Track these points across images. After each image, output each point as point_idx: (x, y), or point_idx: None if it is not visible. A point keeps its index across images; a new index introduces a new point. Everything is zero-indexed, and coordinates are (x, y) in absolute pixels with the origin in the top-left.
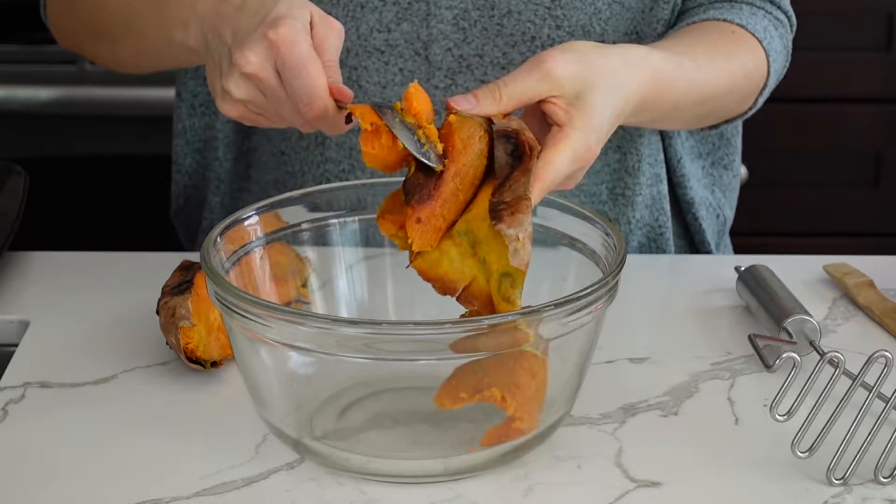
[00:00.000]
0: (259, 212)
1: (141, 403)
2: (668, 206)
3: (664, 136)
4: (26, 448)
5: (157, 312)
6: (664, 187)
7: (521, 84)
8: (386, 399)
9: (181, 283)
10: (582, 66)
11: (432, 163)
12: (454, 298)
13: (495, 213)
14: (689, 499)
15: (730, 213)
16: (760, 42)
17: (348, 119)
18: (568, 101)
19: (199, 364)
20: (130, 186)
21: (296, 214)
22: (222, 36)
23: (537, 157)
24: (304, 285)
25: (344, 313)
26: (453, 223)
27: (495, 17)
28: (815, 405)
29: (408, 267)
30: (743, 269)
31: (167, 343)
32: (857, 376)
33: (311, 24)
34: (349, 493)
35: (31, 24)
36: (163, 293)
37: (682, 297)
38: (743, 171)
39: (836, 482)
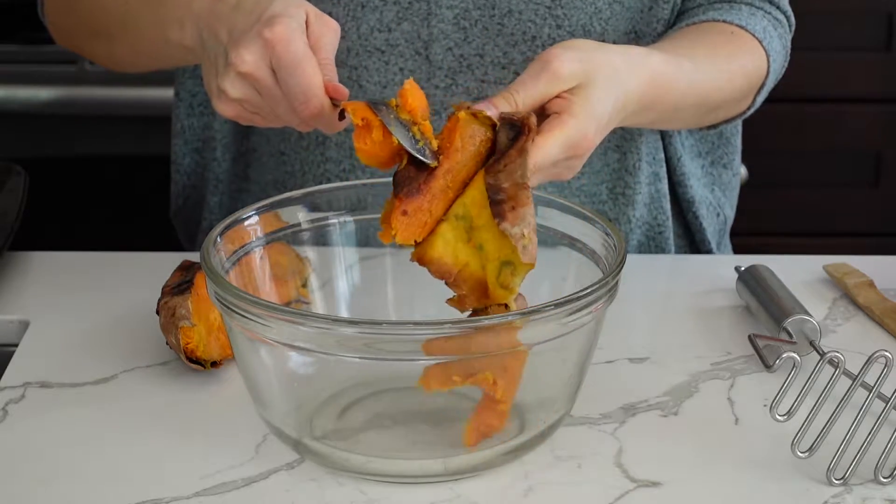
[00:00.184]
0: (259, 212)
1: (141, 403)
2: (667, 205)
3: (664, 135)
4: (26, 448)
5: (157, 312)
6: (664, 186)
7: (533, 89)
8: (386, 399)
9: (181, 283)
10: (585, 63)
11: (427, 159)
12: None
13: (497, 209)
14: (689, 499)
15: (730, 213)
16: (760, 42)
17: (341, 116)
18: (569, 92)
19: (199, 364)
20: (130, 186)
21: (296, 214)
22: (218, 35)
23: (533, 140)
24: (304, 285)
25: (344, 313)
26: (440, 220)
27: (496, 17)
28: (815, 405)
29: (412, 260)
30: (743, 269)
31: (167, 343)
32: (857, 376)
33: (306, 22)
34: (349, 493)
35: (31, 24)
36: (163, 293)
37: (682, 297)
38: (743, 171)
39: (836, 482)
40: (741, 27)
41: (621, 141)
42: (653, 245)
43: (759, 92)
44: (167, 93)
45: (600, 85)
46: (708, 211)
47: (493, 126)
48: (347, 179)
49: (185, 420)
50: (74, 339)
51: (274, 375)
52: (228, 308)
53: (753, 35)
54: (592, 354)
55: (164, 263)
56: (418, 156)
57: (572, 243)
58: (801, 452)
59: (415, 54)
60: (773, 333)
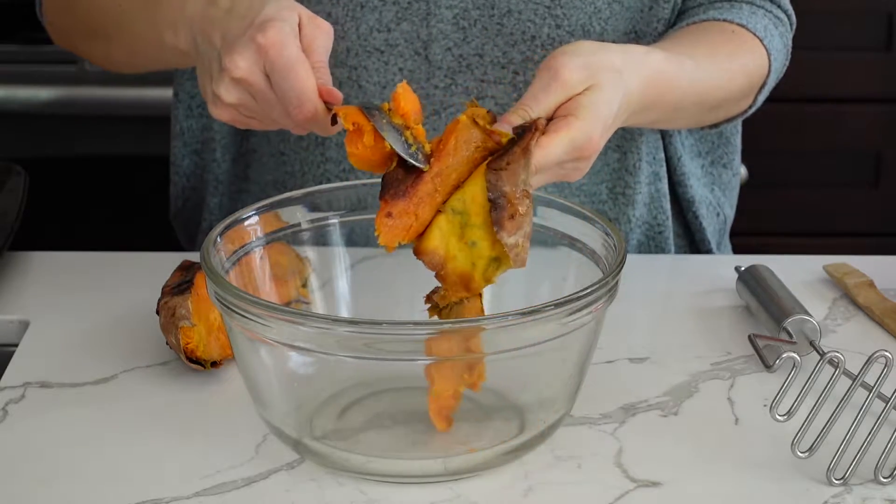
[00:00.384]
0: (259, 212)
1: (141, 403)
2: (667, 205)
3: (664, 135)
4: (26, 448)
5: (157, 312)
6: (664, 186)
7: (545, 102)
8: (386, 399)
9: (181, 283)
10: (590, 69)
11: (419, 163)
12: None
13: (496, 216)
14: (689, 499)
15: (730, 212)
16: (761, 41)
17: (334, 120)
18: (576, 94)
19: (199, 364)
20: (130, 187)
21: (296, 214)
22: (212, 40)
23: (537, 140)
24: (304, 285)
25: (344, 313)
26: (428, 223)
27: (495, 17)
28: (815, 405)
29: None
30: (743, 269)
31: (167, 343)
32: (857, 376)
33: (299, 25)
34: (349, 493)
35: (31, 24)
36: (163, 293)
37: (682, 297)
38: (743, 171)
39: (836, 482)
40: (742, 26)
41: (621, 141)
42: (652, 245)
43: (760, 91)
44: (167, 93)
45: (606, 87)
46: (708, 211)
47: (498, 139)
48: (347, 179)
49: (185, 420)
50: (74, 339)
51: (274, 375)
52: (228, 308)
53: (754, 34)
54: (592, 354)
55: (164, 263)
56: (411, 160)
57: (572, 243)
58: (801, 452)
59: (414, 54)
60: (773, 333)
